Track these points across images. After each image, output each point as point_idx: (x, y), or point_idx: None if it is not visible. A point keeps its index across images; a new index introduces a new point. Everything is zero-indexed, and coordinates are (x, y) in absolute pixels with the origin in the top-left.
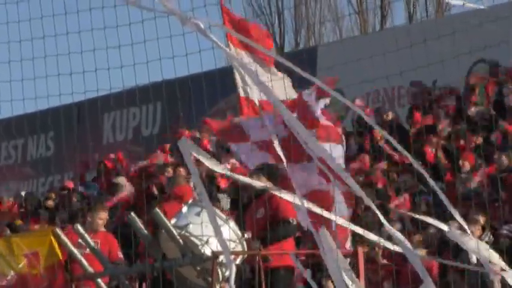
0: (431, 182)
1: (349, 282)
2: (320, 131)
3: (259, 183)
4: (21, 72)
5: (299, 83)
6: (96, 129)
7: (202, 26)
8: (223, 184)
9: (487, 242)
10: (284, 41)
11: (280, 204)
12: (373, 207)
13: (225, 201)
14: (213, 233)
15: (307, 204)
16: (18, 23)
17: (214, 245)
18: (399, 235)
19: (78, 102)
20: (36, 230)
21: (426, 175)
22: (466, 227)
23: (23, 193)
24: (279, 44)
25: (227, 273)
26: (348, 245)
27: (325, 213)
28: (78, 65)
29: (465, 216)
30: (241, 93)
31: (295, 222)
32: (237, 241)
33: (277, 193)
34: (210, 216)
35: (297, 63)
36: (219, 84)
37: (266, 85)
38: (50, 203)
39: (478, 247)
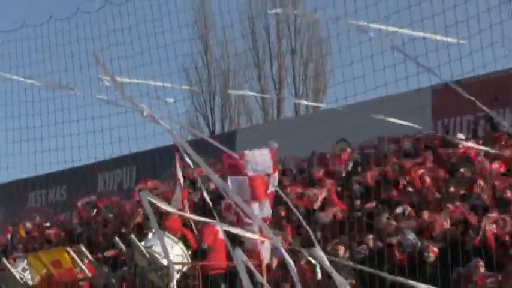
0: (298, 214)
1: None
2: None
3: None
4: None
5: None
6: (93, 183)
7: (155, 116)
8: None
9: (347, 257)
10: (215, 127)
11: (204, 232)
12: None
13: None
14: (169, 251)
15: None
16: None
17: (171, 256)
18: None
19: (81, 166)
20: (53, 249)
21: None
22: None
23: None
24: (211, 129)
25: (177, 276)
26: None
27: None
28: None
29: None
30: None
31: (205, 246)
32: (184, 255)
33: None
34: (161, 242)
35: (223, 143)
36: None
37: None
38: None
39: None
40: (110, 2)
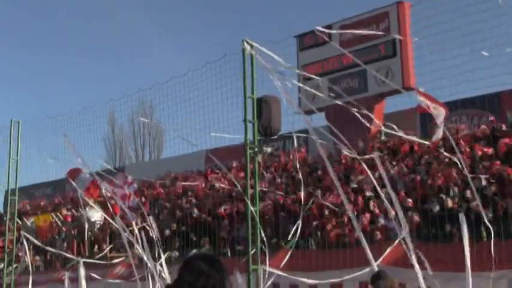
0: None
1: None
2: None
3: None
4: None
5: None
6: (61, 189)
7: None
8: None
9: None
10: (116, 161)
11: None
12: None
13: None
14: (92, 215)
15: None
16: None
17: (94, 218)
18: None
19: (60, 179)
20: (46, 214)
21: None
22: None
23: None
24: (114, 165)
25: (98, 226)
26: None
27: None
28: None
29: None
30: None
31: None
32: (102, 216)
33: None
34: (89, 211)
35: (119, 171)
36: None
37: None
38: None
39: None
40: (69, 116)
